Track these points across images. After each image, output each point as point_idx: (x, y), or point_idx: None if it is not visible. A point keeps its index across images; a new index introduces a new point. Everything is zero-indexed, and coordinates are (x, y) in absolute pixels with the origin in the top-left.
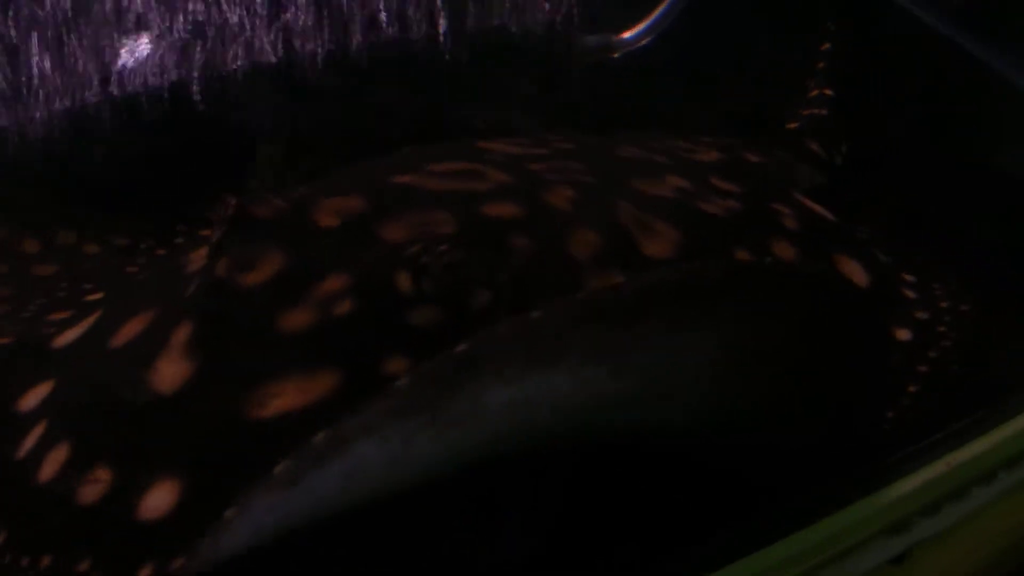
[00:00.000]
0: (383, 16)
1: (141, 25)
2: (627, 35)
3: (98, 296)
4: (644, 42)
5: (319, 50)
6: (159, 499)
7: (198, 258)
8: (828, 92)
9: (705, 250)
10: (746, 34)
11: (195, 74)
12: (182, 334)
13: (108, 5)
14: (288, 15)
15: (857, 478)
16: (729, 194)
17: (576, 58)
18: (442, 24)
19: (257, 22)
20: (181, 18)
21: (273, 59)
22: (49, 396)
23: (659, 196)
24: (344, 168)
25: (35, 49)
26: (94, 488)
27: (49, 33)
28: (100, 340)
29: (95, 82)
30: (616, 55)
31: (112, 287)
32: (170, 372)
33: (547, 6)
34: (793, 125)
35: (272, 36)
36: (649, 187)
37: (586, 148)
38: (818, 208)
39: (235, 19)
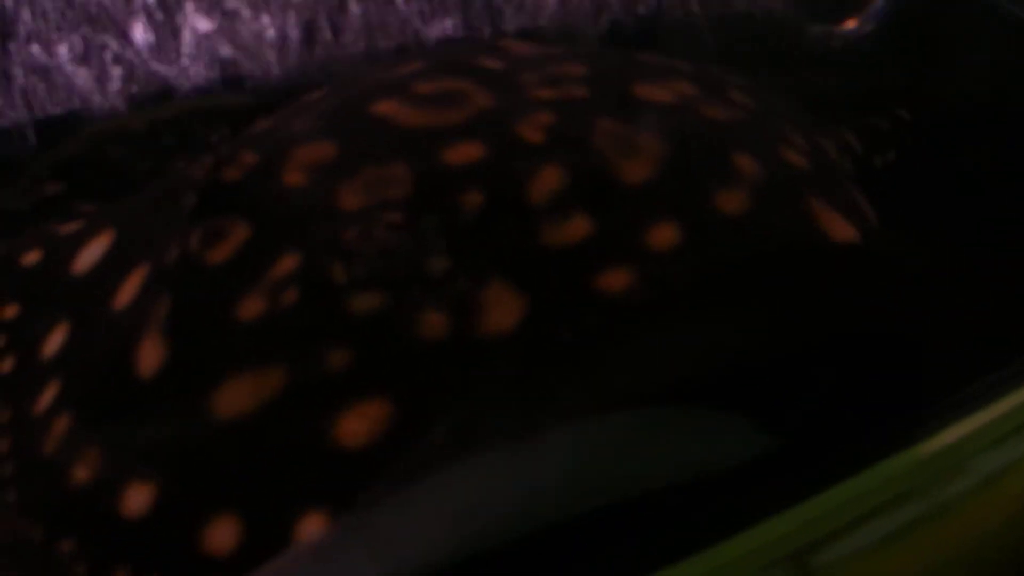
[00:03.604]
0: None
1: None
2: (846, 26)
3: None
4: (862, 32)
5: (597, 22)
6: (136, 500)
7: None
8: (904, 114)
9: (695, 163)
10: (958, 34)
11: None
12: (161, 310)
13: None
14: None
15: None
16: (742, 105)
17: (799, 45)
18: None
19: None
20: None
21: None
22: (64, 347)
23: (656, 102)
24: (340, 82)
25: None
26: (84, 471)
27: None
28: (109, 285)
29: None
30: (834, 44)
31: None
32: (150, 355)
33: None
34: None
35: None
36: (649, 92)
37: (599, 53)
38: (831, 149)
39: None
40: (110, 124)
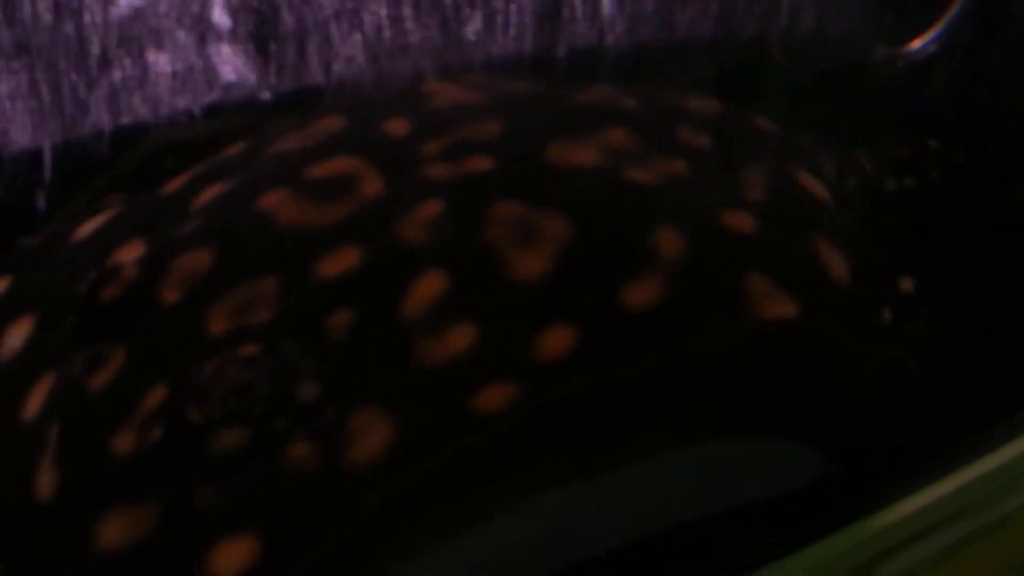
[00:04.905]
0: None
1: None
2: (911, 47)
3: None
4: (926, 53)
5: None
6: None
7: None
8: (932, 144)
9: (603, 249)
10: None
11: None
12: (53, 436)
13: None
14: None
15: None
16: (690, 151)
17: (864, 66)
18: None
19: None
20: None
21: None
22: None
23: (572, 167)
24: (255, 140)
25: None
26: None
27: None
28: (20, 387)
29: None
30: (899, 65)
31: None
32: (45, 481)
33: (849, 18)
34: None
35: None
36: (568, 153)
37: (529, 98)
38: (817, 188)
39: None
40: (171, 135)
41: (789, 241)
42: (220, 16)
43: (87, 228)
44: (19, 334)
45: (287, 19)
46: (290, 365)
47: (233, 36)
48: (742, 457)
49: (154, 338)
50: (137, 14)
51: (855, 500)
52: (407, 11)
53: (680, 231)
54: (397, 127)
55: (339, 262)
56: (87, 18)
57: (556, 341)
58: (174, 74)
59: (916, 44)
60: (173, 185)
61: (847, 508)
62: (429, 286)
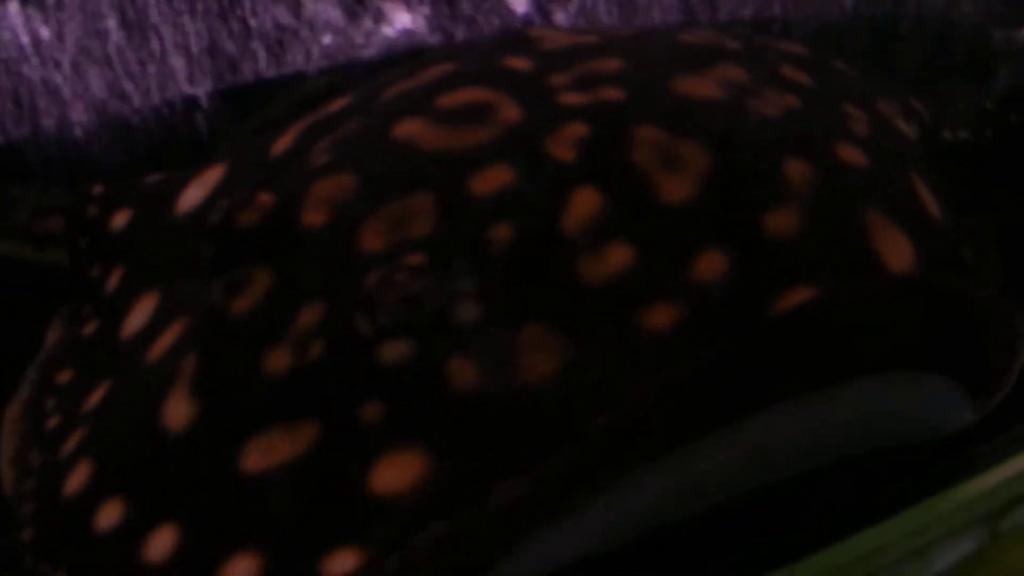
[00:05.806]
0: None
1: None
2: None
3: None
4: None
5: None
6: (161, 543)
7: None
8: (987, 105)
9: (743, 176)
10: None
11: None
12: (188, 367)
13: None
14: None
15: None
16: (796, 87)
17: (982, 49)
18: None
19: None
20: None
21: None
22: (100, 401)
23: (700, 99)
24: (365, 89)
25: None
26: (107, 518)
27: None
28: (148, 342)
29: None
30: (1014, 49)
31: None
32: (179, 410)
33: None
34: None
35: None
36: (692, 86)
37: (637, 38)
38: (901, 124)
39: None
40: (316, 83)
41: (894, 177)
42: None
43: (193, 196)
44: (143, 312)
45: None
46: (457, 276)
47: None
48: (891, 397)
49: (303, 258)
50: None
51: (988, 447)
52: None
53: (807, 162)
54: (519, 63)
55: (492, 179)
56: None
57: (711, 264)
58: None
59: None
60: (282, 144)
61: (980, 455)
62: (586, 202)
